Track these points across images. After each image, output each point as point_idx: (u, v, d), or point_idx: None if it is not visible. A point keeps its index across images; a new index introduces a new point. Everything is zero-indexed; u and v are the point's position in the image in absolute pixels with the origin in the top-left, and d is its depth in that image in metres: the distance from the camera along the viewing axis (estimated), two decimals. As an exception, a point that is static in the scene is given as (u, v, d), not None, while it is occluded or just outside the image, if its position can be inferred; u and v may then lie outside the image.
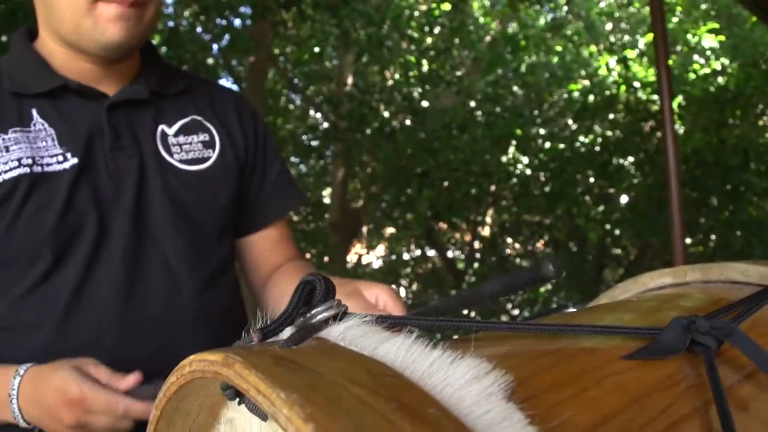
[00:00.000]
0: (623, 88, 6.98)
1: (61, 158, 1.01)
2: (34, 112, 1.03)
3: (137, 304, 1.05)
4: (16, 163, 0.98)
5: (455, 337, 0.54)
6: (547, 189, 7.40)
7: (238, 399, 0.48)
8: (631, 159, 7.25)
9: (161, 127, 1.12)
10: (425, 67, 7.80)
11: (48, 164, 1.00)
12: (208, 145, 1.15)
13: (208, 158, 1.14)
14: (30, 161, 0.99)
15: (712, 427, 0.41)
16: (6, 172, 0.97)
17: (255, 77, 6.71)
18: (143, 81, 1.11)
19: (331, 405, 0.31)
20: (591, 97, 7.22)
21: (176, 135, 1.13)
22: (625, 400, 0.41)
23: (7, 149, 0.98)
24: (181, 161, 1.11)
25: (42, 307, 1.01)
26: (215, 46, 7.11)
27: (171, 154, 1.11)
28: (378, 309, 0.93)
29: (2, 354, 1.01)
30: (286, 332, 0.46)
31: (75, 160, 1.01)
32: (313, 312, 0.46)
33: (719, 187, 6.48)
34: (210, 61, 7.40)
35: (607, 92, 7.18)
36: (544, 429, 0.33)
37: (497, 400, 0.32)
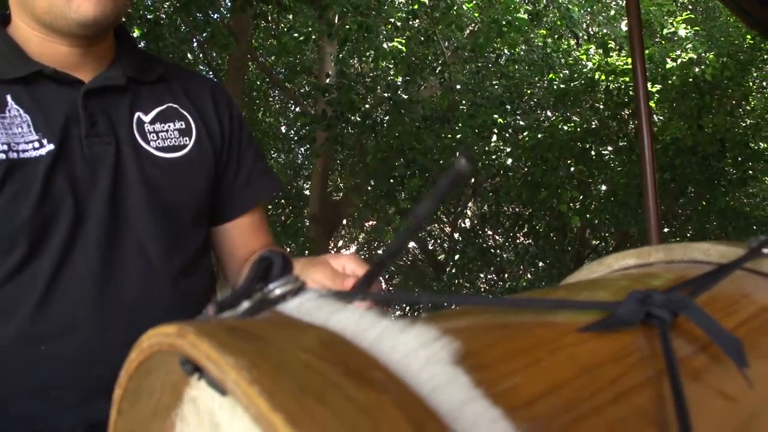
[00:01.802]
0: (603, 76, 7.04)
1: (37, 144, 1.00)
2: (9, 98, 1.02)
3: (113, 291, 1.04)
4: None
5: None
6: (528, 179, 7.45)
7: (197, 374, 0.49)
8: (610, 148, 7.31)
9: (137, 114, 1.12)
10: (408, 57, 7.81)
11: (24, 150, 0.99)
12: (185, 132, 1.15)
13: (185, 146, 1.15)
14: (5, 147, 0.98)
15: (663, 395, 0.42)
16: None
17: (235, 71, 6.67)
18: (119, 67, 1.11)
19: (277, 369, 0.31)
20: (571, 85, 7.28)
21: (152, 122, 1.13)
22: (576, 371, 0.42)
23: None
24: (157, 149, 1.11)
25: (17, 295, 1.01)
26: (195, 40, 7.06)
27: (147, 142, 1.11)
28: (346, 277, 0.95)
29: None
30: (244, 306, 0.46)
31: (51, 147, 1.01)
32: (269, 287, 0.46)
33: (697, 176, 6.56)
34: (189, 54, 7.34)
35: (586, 78, 7.24)
36: (490, 393, 0.33)
37: (444, 365, 0.33)
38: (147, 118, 1.13)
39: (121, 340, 1.03)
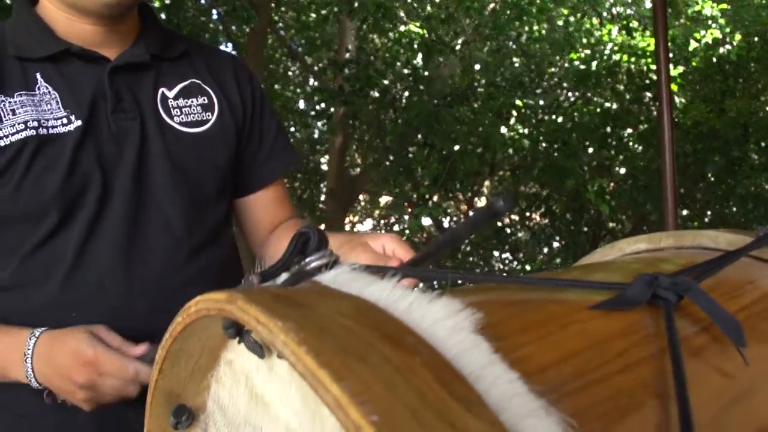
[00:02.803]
0: (625, 57, 6.96)
1: (65, 120, 1.04)
2: (38, 75, 1.05)
3: (138, 262, 1.09)
4: (22, 126, 1.01)
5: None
6: (549, 161, 7.42)
7: (238, 338, 0.53)
8: (630, 130, 7.26)
9: (161, 90, 1.15)
10: (427, 39, 7.77)
11: (53, 126, 1.03)
12: (207, 108, 1.18)
13: (207, 121, 1.18)
14: (36, 124, 1.02)
15: (665, 369, 0.46)
16: (13, 134, 1.00)
17: (254, 44, 6.68)
18: (143, 44, 1.14)
19: (322, 332, 0.36)
20: (593, 65, 7.20)
21: (176, 98, 1.16)
22: (586, 343, 0.46)
23: (13, 112, 1.01)
24: (180, 123, 1.15)
25: (48, 264, 1.05)
26: (215, 13, 7.06)
27: (171, 117, 1.14)
28: (386, 257, 0.98)
29: (11, 308, 1.05)
30: (282, 278, 0.50)
31: (79, 123, 1.05)
32: (307, 260, 0.50)
33: (717, 161, 6.50)
34: (210, 26, 7.35)
35: (609, 61, 7.16)
36: (508, 359, 0.38)
37: (467, 333, 0.37)
38: (171, 94, 1.16)
39: (146, 308, 1.08)
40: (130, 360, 0.94)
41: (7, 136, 1.00)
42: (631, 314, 0.52)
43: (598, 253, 0.87)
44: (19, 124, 1.01)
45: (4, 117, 1.01)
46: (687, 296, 0.53)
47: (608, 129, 6.90)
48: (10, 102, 1.02)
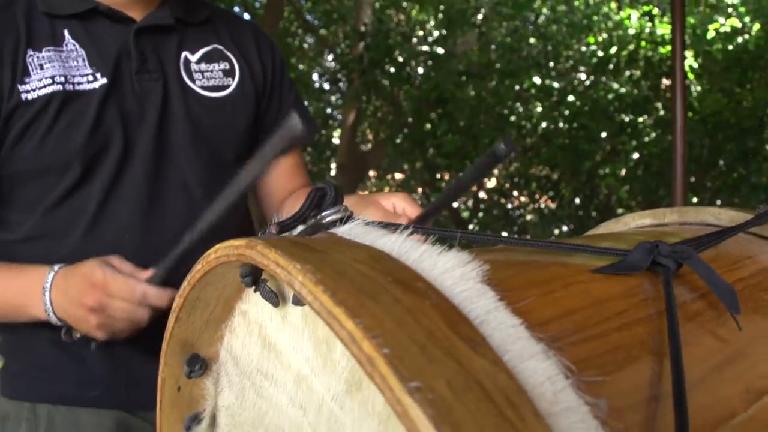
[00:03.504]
0: (644, 43, 6.89)
1: (91, 78, 1.06)
2: (66, 32, 1.08)
3: (156, 220, 1.12)
4: (49, 81, 1.03)
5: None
6: (565, 142, 7.39)
7: (254, 287, 0.56)
8: (645, 117, 7.22)
9: (184, 53, 1.17)
10: (449, 9, 7.72)
11: (79, 83, 1.05)
12: (229, 73, 1.21)
13: (228, 86, 1.20)
14: (62, 79, 1.04)
15: (661, 329, 0.48)
16: (41, 88, 1.03)
17: (271, 16, 6.66)
18: (168, 8, 1.16)
19: (338, 274, 0.38)
20: (612, 50, 7.14)
21: (198, 62, 1.18)
22: (587, 302, 0.48)
23: (41, 67, 1.04)
24: (202, 87, 1.17)
25: (70, 217, 1.08)
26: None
27: (193, 81, 1.16)
28: (397, 215, 1.00)
29: (34, 260, 1.09)
30: (299, 230, 0.53)
31: (104, 80, 1.07)
32: (323, 214, 0.52)
33: (733, 150, 6.46)
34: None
35: (629, 47, 7.09)
36: (511, 308, 0.40)
37: (474, 281, 0.39)
38: (193, 58, 1.18)
39: None
40: (138, 281, 0.95)
41: (34, 90, 1.02)
42: (631, 279, 0.54)
43: (603, 227, 0.89)
44: (46, 78, 1.03)
45: (32, 71, 1.03)
46: (686, 264, 0.55)
47: (624, 116, 6.85)
48: (38, 57, 1.04)
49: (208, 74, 1.18)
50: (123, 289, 0.94)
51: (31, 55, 1.04)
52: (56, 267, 1.01)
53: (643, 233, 0.77)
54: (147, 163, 1.11)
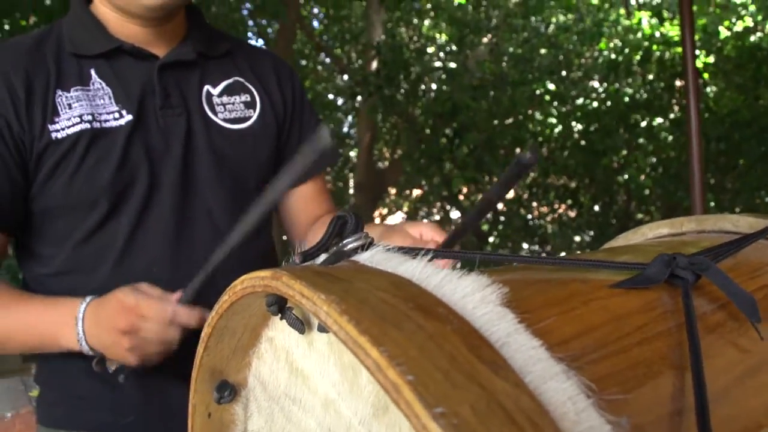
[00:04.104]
0: (655, 46, 6.87)
1: (117, 115, 1.10)
2: (93, 72, 1.11)
3: (184, 252, 1.14)
4: (78, 119, 1.06)
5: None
6: (581, 144, 7.36)
7: (280, 315, 0.57)
8: (660, 119, 7.17)
9: (206, 87, 1.20)
10: (462, 17, 7.76)
11: (106, 120, 1.09)
12: (250, 105, 1.23)
13: (249, 117, 1.23)
14: (90, 117, 1.07)
15: (681, 342, 0.49)
16: (69, 127, 1.06)
17: (283, 39, 6.75)
18: (190, 43, 1.19)
19: (361, 303, 0.39)
20: (625, 51, 7.12)
21: (220, 95, 1.21)
22: (607, 318, 0.49)
23: (70, 106, 1.07)
24: (224, 120, 1.20)
25: (99, 251, 1.11)
26: (245, 7, 7.13)
27: (215, 113, 1.19)
28: (424, 242, 1.01)
29: (65, 293, 1.11)
30: (322, 258, 0.54)
31: (130, 117, 1.10)
32: (344, 242, 0.54)
33: (750, 150, 6.39)
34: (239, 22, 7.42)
35: (640, 50, 7.08)
36: (532, 330, 0.41)
37: (494, 305, 0.40)
38: (215, 91, 1.21)
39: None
40: (168, 302, 0.97)
41: (63, 129, 1.06)
42: (650, 292, 0.55)
43: (622, 239, 0.90)
44: (75, 117, 1.06)
45: (62, 111, 1.06)
46: (704, 275, 0.55)
47: (638, 117, 6.82)
48: (67, 96, 1.08)
49: (230, 107, 1.21)
50: (154, 310, 0.96)
51: (60, 95, 1.07)
52: (88, 298, 1.04)
53: (661, 244, 0.77)
54: (173, 196, 1.13)
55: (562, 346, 0.43)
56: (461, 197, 9.79)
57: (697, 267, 0.56)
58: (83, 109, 1.08)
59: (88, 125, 1.07)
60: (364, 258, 0.51)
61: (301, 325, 0.55)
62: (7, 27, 4.47)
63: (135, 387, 1.10)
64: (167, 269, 1.13)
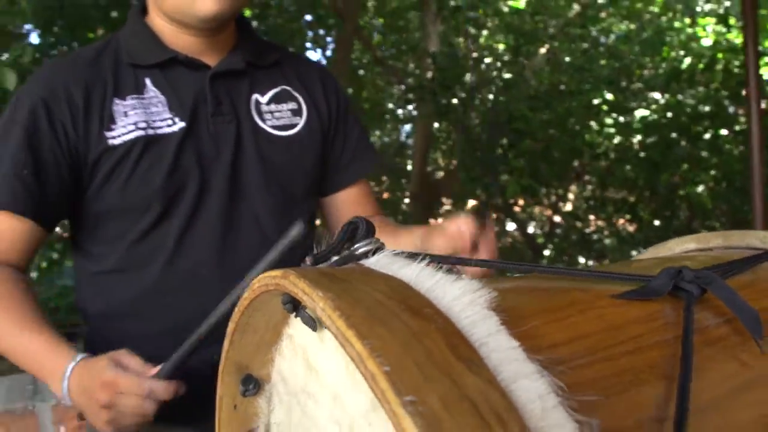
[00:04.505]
0: (720, 54, 6.68)
1: (170, 122, 1.16)
2: (148, 81, 1.18)
3: (230, 255, 1.19)
4: (133, 127, 1.13)
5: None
6: (640, 156, 7.19)
7: (294, 312, 0.61)
8: (725, 132, 6.95)
9: (255, 95, 1.25)
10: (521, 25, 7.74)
11: (159, 127, 1.15)
12: (296, 113, 1.28)
13: (296, 125, 1.28)
14: (145, 125, 1.14)
15: (675, 354, 0.50)
16: (125, 134, 1.13)
17: (342, 50, 6.86)
18: (240, 53, 1.25)
19: (356, 301, 0.42)
20: (687, 60, 6.94)
21: (268, 103, 1.26)
22: (602, 327, 0.51)
23: (126, 114, 1.14)
24: (272, 127, 1.25)
25: (150, 252, 1.17)
26: (305, 18, 7.29)
27: (264, 121, 1.24)
28: (461, 234, 1.05)
29: (118, 290, 1.18)
30: (333, 260, 0.57)
31: (183, 124, 1.16)
32: (355, 246, 0.57)
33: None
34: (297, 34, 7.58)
35: (703, 58, 6.88)
36: (521, 335, 0.43)
37: (480, 307, 0.43)
38: (264, 99, 1.27)
39: None
40: (145, 378, 0.97)
41: (119, 136, 1.13)
42: (653, 304, 0.56)
43: (650, 252, 0.90)
44: (130, 125, 1.13)
45: (118, 119, 1.13)
46: (709, 289, 0.56)
47: (700, 129, 6.63)
48: (123, 105, 1.15)
49: (278, 114, 1.26)
50: (131, 386, 0.96)
51: (117, 104, 1.14)
52: (78, 357, 1.04)
53: (686, 258, 0.77)
54: (221, 201, 1.18)
55: (550, 349, 0.45)
56: (517, 208, 9.70)
57: (702, 281, 0.57)
58: (138, 116, 1.14)
59: (142, 132, 1.14)
60: (370, 262, 0.54)
61: (314, 322, 0.58)
62: (74, 44, 4.72)
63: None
64: (213, 271, 1.18)
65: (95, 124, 1.12)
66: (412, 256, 0.55)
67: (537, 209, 9.82)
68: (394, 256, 0.54)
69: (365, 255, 0.56)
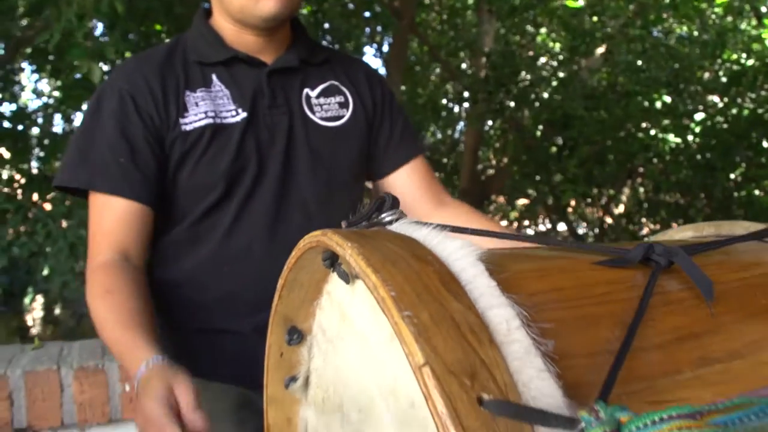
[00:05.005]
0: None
1: (234, 113, 1.32)
2: (214, 76, 1.34)
3: (280, 232, 1.34)
4: (203, 115, 1.29)
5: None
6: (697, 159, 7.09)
7: (332, 268, 0.75)
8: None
9: (306, 90, 1.40)
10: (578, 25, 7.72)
11: (225, 117, 1.31)
12: (343, 105, 1.43)
13: (343, 116, 1.42)
14: (213, 114, 1.30)
15: (635, 307, 0.61)
16: (197, 121, 1.29)
17: (398, 47, 6.99)
18: (294, 52, 1.40)
19: (375, 249, 0.56)
20: (749, 64, 6.81)
21: (318, 97, 1.41)
22: (576, 284, 0.63)
23: (196, 104, 1.30)
24: (321, 119, 1.39)
25: (211, 226, 1.33)
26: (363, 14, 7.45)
27: (313, 113, 1.39)
28: None
29: (180, 260, 1.34)
30: (362, 225, 0.71)
31: (245, 114, 1.32)
32: (382, 216, 0.71)
33: None
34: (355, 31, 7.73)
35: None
36: (504, 283, 0.56)
37: (470, 258, 0.56)
38: (313, 93, 1.41)
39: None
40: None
41: (192, 123, 1.29)
42: (627, 271, 0.68)
43: (652, 239, 1.00)
44: (200, 113, 1.29)
45: (190, 108, 1.30)
46: (675, 260, 0.67)
47: (758, 136, 6.51)
48: (194, 96, 1.31)
49: (326, 107, 1.41)
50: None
51: (188, 95, 1.31)
52: (150, 362, 1.06)
53: (671, 241, 0.88)
54: (275, 184, 1.33)
55: (527, 296, 0.58)
56: (569, 209, 9.65)
57: (670, 254, 0.68)
58: (207, 107, 1.31)
59: (211, 120, 1.30)
60: (392, 226, 0.67)
61: (347, 276, 0.72)
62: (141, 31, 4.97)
63: (232, 345, 1.32)
64: (265, 247, 1.33)
65: (173, 112, 1.29)
66: (425, 224, 0.69)
67: (588, 210, 9.75)
68: (411, 223, 0.67)
69: (389, 223, 0.70)
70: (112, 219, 1.27)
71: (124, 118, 1.27)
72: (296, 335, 0.89)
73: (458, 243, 0.58)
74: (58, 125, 7.22)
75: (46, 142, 6.17)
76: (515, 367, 0.48)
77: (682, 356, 0.59)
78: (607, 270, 0.67)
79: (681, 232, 0.97)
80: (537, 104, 7.65)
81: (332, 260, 0.72)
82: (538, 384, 0.47)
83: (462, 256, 0.56)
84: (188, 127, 1.29)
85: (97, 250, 1.27)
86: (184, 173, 1.30)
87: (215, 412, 1.33)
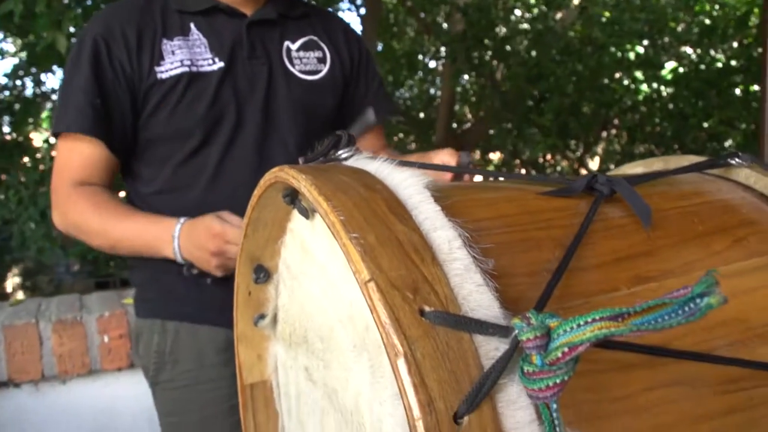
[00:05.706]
0: (756, 9, 6.59)
1: (211, 62, 1.34)
2: (192, 25, 1.36)
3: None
4: (179, 63, 1.31)
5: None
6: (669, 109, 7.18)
7: (292, 205, 0.77)
8: (757, 87, 6.89)
9: (286, 42, 1.44)
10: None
11: (201, 66, 1.33)
12: (321, 60, 1.47)
13: (320, 71, 1.46)
14: (189, 62, 1.32)
15: (576, 232, 0.65)
16: (172, 70, 1.31)
17: (373, 3, 6.91)
18: (272, 5, 1.42)
19: (328, 180, 0.59)
20: (721, 15, 6.86)
21: (298, 50, 1.45)
22: (521, 211, 0.67)
23: (173, 53, 1.32)
24: (300, 71, 1.43)
25: (194, 174, 1.37)
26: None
27: (293, 65, 1.43)
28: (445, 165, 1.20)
29: (166, 208, 1.37)
30: (319, 160, 0.74)
31: (221, 64, 1.34)
32: (338, 152, 0.73)
33: None
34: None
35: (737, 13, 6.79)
36: (451, 210, 0.59)
37: (418, 186, 0.59)
38: (294, 47, 1.45)
39: None
40: None
41: (167, 71, 1.31)
42: (572, 200, 0.71)
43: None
44: (176, 62, 1.32)
45: (166, 56, 1.32)
46: (617, 189, 0.71)
47: (731, 82, 6.59)
48: (170, 45, 1.33)
49: (305, 60, 1.45)
50: (237, 236, 1.17)
51: (165, 44, 1.32)
52: (182, 220, 1.28)
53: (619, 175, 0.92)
54: (256, 131, 1.38)
55: (472, 221, 0.61)
56: (545, 162, 9.72)
57: (612, 183, 0.72)
58: (183, 55, 1.32)
59: (187, 69, 1.32)
60: (347, 162, 0.70)
61: (306, 212, 0.75)
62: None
63: (218, 287, 1.36)
64: (250, 192, 1.36)
65: (146, 60, 1.30)
66: (378, 158, 0.71)
67: (564, 163, 9.84)
68: (365, 159, 0.70)
69: (345, 159, 0.73)
70: (81, 158, 1.33)
71: (96, 63, 1.30)
72: (263, 273, 0.93)
73: (407, 173, 0.61)
74: (29, 89, 7.10)
75: (17, 107, 6.06)
76: (455, 283, 0.51)
77: (618, 275, 0.63)
78: (553, 199, 0.71)
79: (632, 168, 1.01)
80: (512, 58, 7.65)
81: (292, 197, 0.75)
82: (477, 297, 0.51)
83: (410, 184, 0.59)
84: (164, 75, 1.31)
85: (63, 183, 1.33)
86: (160, 120, 1.33)
87: (204, 353, 1.38)
